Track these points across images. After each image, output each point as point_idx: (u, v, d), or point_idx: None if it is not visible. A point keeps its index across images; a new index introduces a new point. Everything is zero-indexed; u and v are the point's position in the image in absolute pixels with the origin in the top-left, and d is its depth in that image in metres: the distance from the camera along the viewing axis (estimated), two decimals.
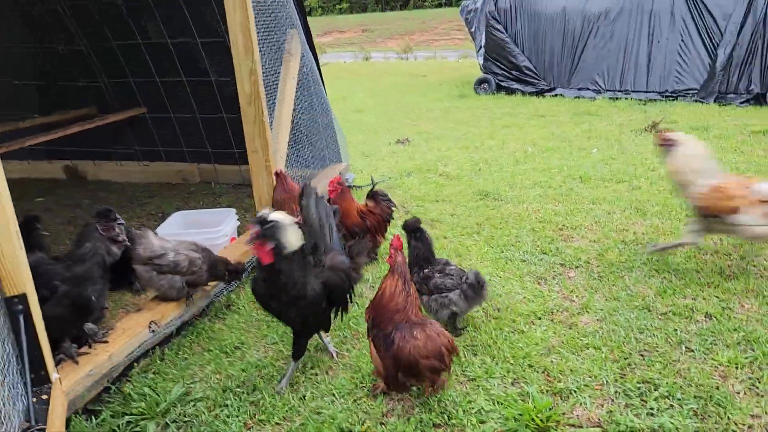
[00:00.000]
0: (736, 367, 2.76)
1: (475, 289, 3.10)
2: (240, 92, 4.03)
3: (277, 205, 4.04)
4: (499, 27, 11.33)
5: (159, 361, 3.08)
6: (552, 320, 3.29)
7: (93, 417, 2.64)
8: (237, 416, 2.64)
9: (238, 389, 2.83)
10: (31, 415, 2.24)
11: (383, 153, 7.43)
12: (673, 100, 10.06)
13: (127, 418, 2.64)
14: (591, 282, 3.69)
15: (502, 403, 2.62)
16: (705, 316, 3.21)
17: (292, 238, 2.60)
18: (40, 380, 2.37)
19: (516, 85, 11.47)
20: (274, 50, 4.39)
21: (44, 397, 2.37)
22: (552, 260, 4.01)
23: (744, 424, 2.42)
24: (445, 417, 2.55)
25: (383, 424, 2.54)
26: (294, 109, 4.59)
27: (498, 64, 11.58)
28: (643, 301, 3.40)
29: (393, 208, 4.27)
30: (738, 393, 2.60)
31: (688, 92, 10.03)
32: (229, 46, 5.22)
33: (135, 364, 2.99)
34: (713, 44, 9.75)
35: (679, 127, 8.05)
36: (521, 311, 3.38)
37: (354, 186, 5.84)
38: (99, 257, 2.69)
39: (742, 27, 9.45)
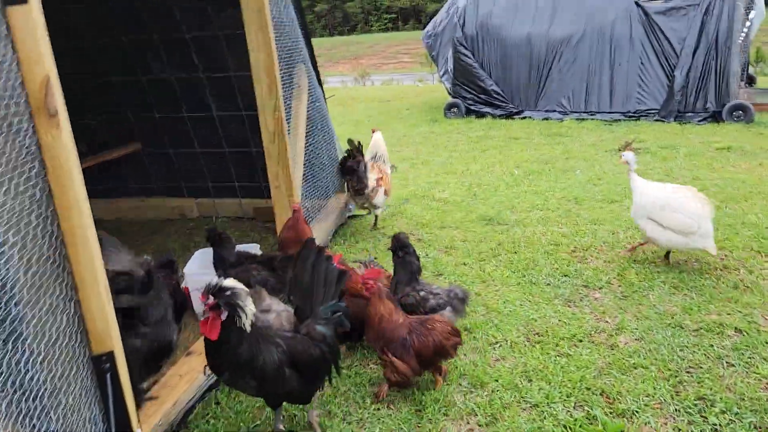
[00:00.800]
0: None
1: (463, 303, 3.39)
2: (263, 130, 4.05)
3: (282, 243, 4.00)
4: (467, 53, 11.64)
5: (214, 405, 3.04)
6: (593, 342, 3.42)
7: None
8: None
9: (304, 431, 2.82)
10: None
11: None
12: (636, 119, 10.54)
13: None
14: (618, 302, 3.85)
15: (572, 428, 2.70)
16: (735, 331, 3.40)
17: (249, 307, 2.39)
18: None
19: (486, 109, 11.78)
20: (288, 87, 4.44)
21: None
22: (574, 282, 4.16)
23: None
24: None
25: None
26: (306, 143, 4.63)
27: (467, 88, 11.88)
28: (673, 319, 3.57)
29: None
30: None
31: (649, 112, 10.53)
32: (233, 83, 5.28)
33: (192, 410, 2.94)
34: (670, 66, 10.30)
35: (648, 146, 8.46)
36: (561, 335, 3.49)
37: (354, 215, 5.89)
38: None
39: (696, 50, 10.03)
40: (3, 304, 1.82)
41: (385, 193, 5.52)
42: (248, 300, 2.39)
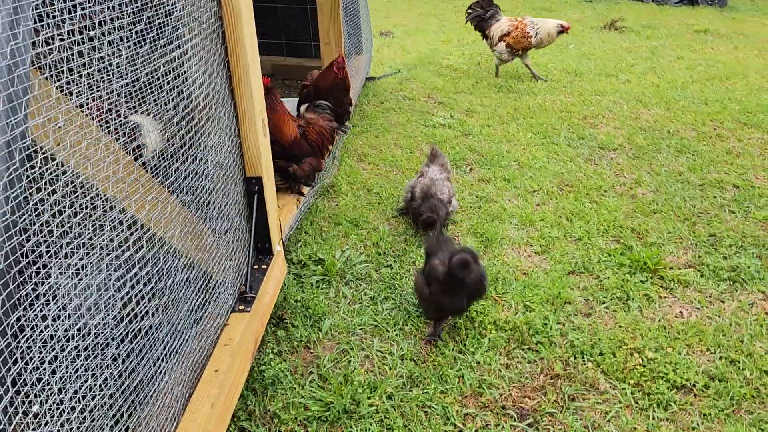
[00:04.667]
0: None
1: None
2: None
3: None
4: None
5: (305, 235, 3.45)
6: (616, 192, 3.97)
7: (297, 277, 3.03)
8: (403, 274, 3.12)
9: (390, 253, 3.29)
10: (248, 282, 2.60)
11: (374, 45, 7.60)
12: None
13: (315, 278, 3.05)
14: (632, 162, 4.39)
15: (613, 255, 3.28)
16: (733, 186, 4.02)
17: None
18: (264, 251, 2.70)
19: None
20: None
21: (264, 267, 2.71)
22: (591, 144, 4.66)
23: None
24: (582, 266, 3.19)
25: (526, 274, 3.13)
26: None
27: None
28: (681, 176, 4.15)
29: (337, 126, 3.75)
30: None
31: None
32: None
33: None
34: None
35: (630, 25, 8.82)
36: (589, 186, 4.02)
37: (372, 78, 6.11)
38: None
39: None
40: (191, 120, 2.08)
41: (509, 47, 6.04)
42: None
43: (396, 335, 2.69)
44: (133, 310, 1.45)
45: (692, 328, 2.71)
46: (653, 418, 2.25)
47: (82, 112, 1.29)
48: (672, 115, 5.23)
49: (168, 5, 1.59)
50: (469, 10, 6.38)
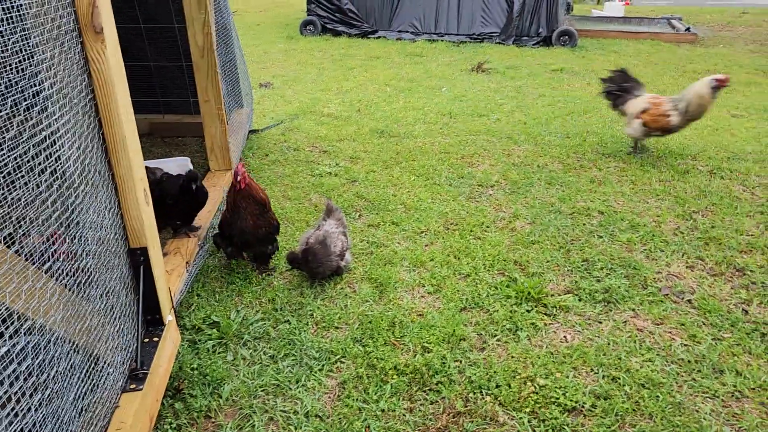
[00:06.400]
0: (634, 244, 3.96)
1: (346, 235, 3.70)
2: (192, 45, 4.12)
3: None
4: None
5: (198, 298, 3.35)
6: (497, 227, 4.21)
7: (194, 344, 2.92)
8: (302, 328, 3.11)
9: (287, 308, 3.27)
10: (138, 358, 2.50)
11: (254, 97, 7.61)
12: (480, 42, 11.57)
13: (211, 342, 2.97)
14: (509, 197, 4.68)
15: (500, 288, 3.47)
16: (598, 213, 4.40)
17: None
18: (155, 323, 2.60)
19: (341, 28, 12.06)
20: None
21: (155, 339, 2.61)
22: (470, 182, 4.93)
23: (653, 278, 3.59)
24: (473, 302, 3.33)
25: (421, 315, 3.23)
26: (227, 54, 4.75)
27: (322, 6, 12.01)
28: (553, 207, 4.48)
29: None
30: (641, 260, 3.78)
31: (491, 35, 11.60)
32: None
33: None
34: None
35: (495, 66, 9.47)
36: (472, 223, 4.23)
37: (255, 130, 6.11)
38: None
39: None
40: (66, 198, 2.00)
41: (645, 125, 5.18)
42: None
43: (299, 392, 2.67)
44: (13, 409, 1.35)
45: (576, 350, 2.91)
46: None
47: None
48: (540, 149, 5.65)
49: (35, 85, 1.54)
50: (606, 85, 5.65)
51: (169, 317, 2.64)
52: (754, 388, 2.67)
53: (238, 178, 3.41)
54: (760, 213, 4.29)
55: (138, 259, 2.47)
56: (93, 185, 1.96)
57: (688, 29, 12.09)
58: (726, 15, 15.05)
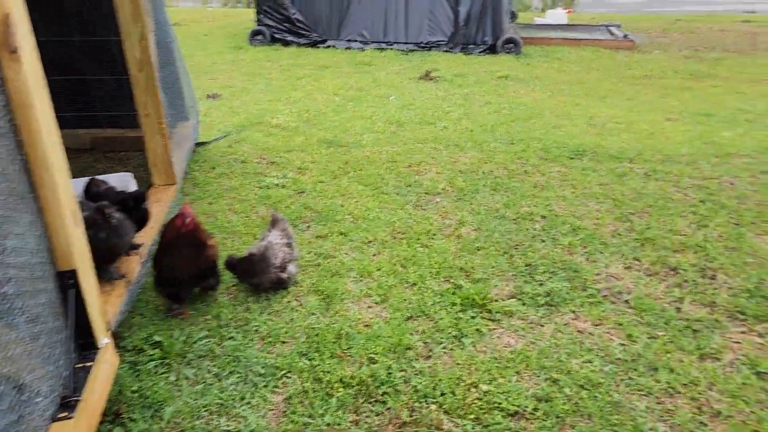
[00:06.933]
0: (575, 247, 4.06)
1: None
2: (129, 59, 4.04)
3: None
4: None
5: (140, 317, 3.28)
6: (444, 234, 4.26)
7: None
8: (247, 344, 3.08)
9: (232, 324, 3.23)
10: (70, 385, 2.42)
11: (201, 108, 7.51)
12: (428, 50, 11.70)
13: (153, 363, 2.90)
14: (455, 204, 4.74)
15: (446, 295, 3.51)
16: (541, 217, 4.50)
17: None
18: (88, 346, 2.52)
19: (290, 37, 12.01)
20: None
21: (89, 364, 2.54)
22: (417, 190, 4.97)
23: (593, 280, 3.69)
24: (419, 310, 3.36)
25: (368, 326, 3.25)
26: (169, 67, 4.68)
27: (271, 16, 11.95)
28: (498, 213, 4.56)
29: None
30: (581, 262, 3.88)
31: (439, 43, 11.74)
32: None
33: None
34: (455, 2, 11.53)
35: (443, 74, 9.60)
36: (419, 231, 4.27)
37: (202, 143, 6.02)
38: None
39: None
40: None
41: None
42: None
43: (243, 410, 2.64)
44: None
45: (519, 355, 2.97)
46: None
47: None
48: (485, 156, 5.74)
49: None
50: None
51: (105, 340, 2.57)
52: (686, 384, 2.77)
53: (187, 220, 3.16)
54: (692, 213, 4.47)
55: (67, 282, 2.40)
56: (13, 209, 1.90)
57: (626, 36, 12.51)
58: (661, 22, 15.64)
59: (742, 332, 3.17)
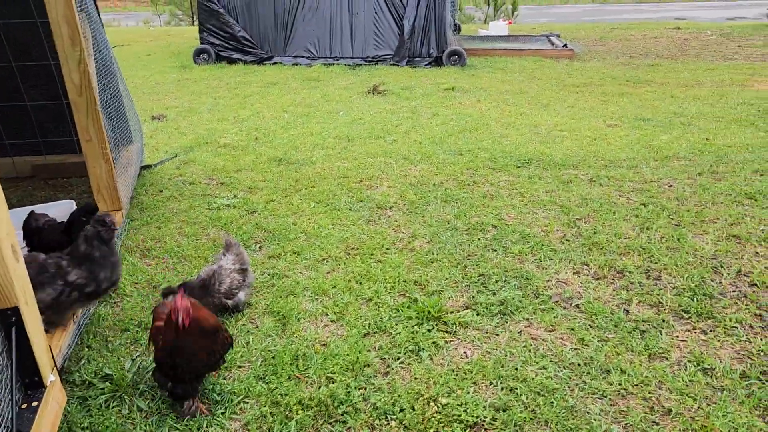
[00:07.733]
0: (525, 254, 4.15)
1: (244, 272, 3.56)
2: (68, 83, 3.94)
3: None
4: None
5: (89, 350, 3.17)
6: (397, 248, 4.29)
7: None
8: None
9: None
10: (13, 428, 2.33)
11: (146, 130, 7.37)
12: (375, 64, 11.81)
13: (103, 397, 2.81)
14: (407, 217, 4.78)
15: (401, 310, 3.53)
16: (492, 227, 4.58)
17: None
18: (34, 385, 2.44)
19: (236, 55, 11.93)
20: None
21: (35, 403, 2.45)
22: (369, 205, 4.99)
23: (544, 286, 3.78)
24: (376, 326, 3.36)
25: (325, 345, 3.23)
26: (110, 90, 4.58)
27: (215, 34, 11.85)
28: (449, 224, 4.62)
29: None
30: (532, 269, 3.97)
31: (385, 57, 11.88)
32: None
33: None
34: (400, 16, 11.69)
35: (390, 88, 9.70)
36: (372, 246, 4.29)
37: (148, 165, 5.90)
38: None
39: (419, 1, 11.53)
40: None
41: None
42: None
43: None
44: None
45: (476, 365, 3.00)
46: None
47: None
48: (435, 168, 5.82)
49: None
50: None
51: (51, 377, 2.49)
52: (637, 384, 2.86)
53: (180, 315, 2.51)
54: (635, 216, 4.64)
55: (9, 320, 2.32)
56: None
57: (565, 45, 12.92)
58: (598, 31, 16.22)
59: (687, 330, 3.29)
